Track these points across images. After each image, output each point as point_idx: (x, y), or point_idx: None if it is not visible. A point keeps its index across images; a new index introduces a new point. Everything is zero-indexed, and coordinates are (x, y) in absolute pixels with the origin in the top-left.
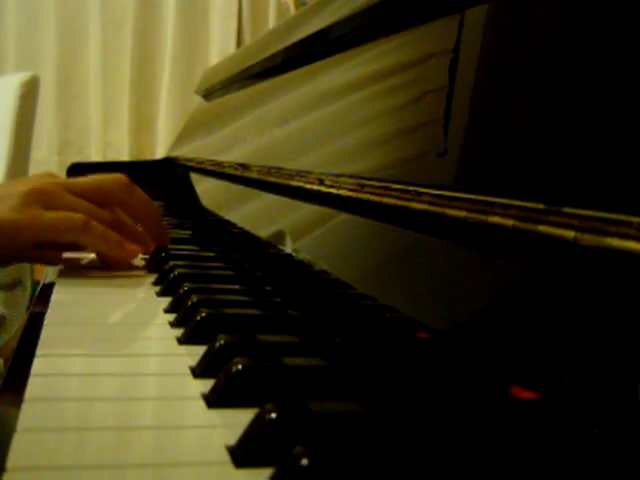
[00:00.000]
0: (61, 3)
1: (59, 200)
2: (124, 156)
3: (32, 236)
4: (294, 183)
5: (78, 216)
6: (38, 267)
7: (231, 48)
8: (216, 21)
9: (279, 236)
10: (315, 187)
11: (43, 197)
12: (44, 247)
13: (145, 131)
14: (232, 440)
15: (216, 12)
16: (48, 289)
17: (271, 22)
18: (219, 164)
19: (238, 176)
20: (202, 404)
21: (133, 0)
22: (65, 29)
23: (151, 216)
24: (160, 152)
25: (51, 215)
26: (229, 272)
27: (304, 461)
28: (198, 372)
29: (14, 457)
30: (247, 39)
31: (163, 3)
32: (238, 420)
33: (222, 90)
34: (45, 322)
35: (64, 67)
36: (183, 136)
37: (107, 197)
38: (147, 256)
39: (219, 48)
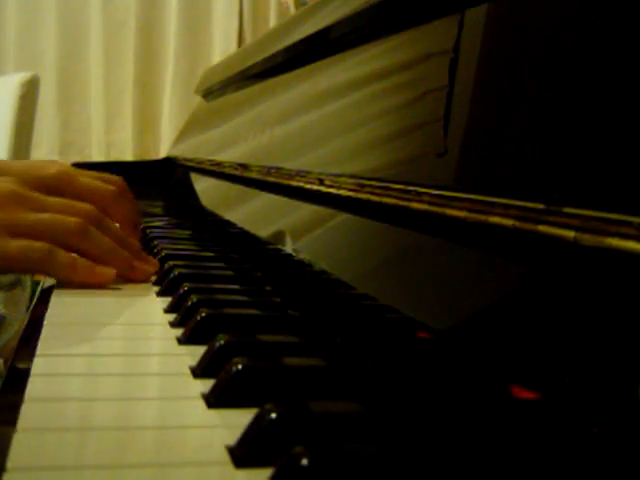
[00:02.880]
0: (62, 3)
1: (25, 220)
2: (128, 156)
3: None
4: (294, 183)
5: (39, 245)
6: None
7: (233, 48)
8: (218, 21)
9: (279, 236)
10: (315, 187)
11: (8, 222)
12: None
13: (149, 131)
14: (232, 440)
15: (218, 12)
16: (48, 292)
17: (272, 22)
18: (219, 164)
19: (238, 176)
20: (202, 404)
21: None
22: (66, 29)
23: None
24: (164, 152)
25: (14, 245)
26: (229, 272)
27: (304, 461)
28: (198, 372)
29: (14, 457)
30: (248, 39)
31: (165, 3)
32: (238, 420)
33: (222, 90)
34: (45, 322)
35: (65, 67)
36: (183, 136)
37: (95, 199)
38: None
39: (222, 47)
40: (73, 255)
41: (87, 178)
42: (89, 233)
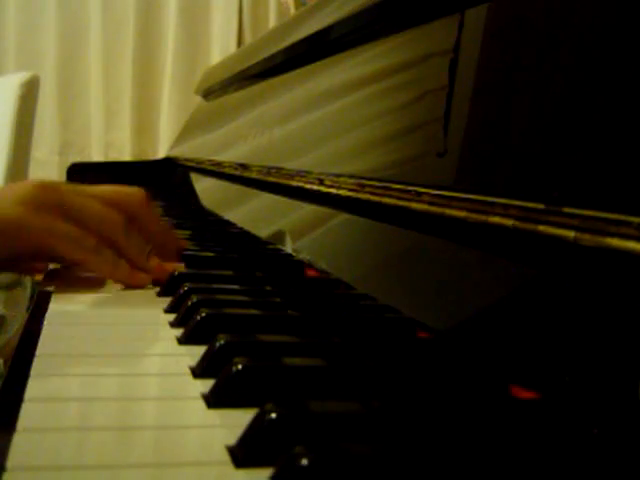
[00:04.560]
0: (62, 3)
1: (75, 204)
2: (126, 156)
3: (39, 243)
4: (294, 183)
5: (90, 239)
6: None
7: (232, 48)
8: (217, 20)
9: (279, 236)
10: (315, 187)
11: (60, 203)
12: (39, 258)
13: (147, 131)
14: (232, 440)
15: (217, 11)
16: (47, 292)
17: (272, 22)
18: (219, 164)
19: (238, 176)
20: (202, 404)
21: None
22: (66, 29)
23: (164, 235)
24: (162, 152)
25: (65, 227)
26: (229, 272)
27: (304, 461)
28: (198, 372)
29: (14, 457)
30: (248, 39)
31: (164, 3)
32: (238, 420)
33: (222, 90)
34: (45, 322)
35: (65, 67)
36: (183, 136)
37: (122, 208)
38: None
39: (220, 48)
40: (115, 257)
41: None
42: (130, 232)
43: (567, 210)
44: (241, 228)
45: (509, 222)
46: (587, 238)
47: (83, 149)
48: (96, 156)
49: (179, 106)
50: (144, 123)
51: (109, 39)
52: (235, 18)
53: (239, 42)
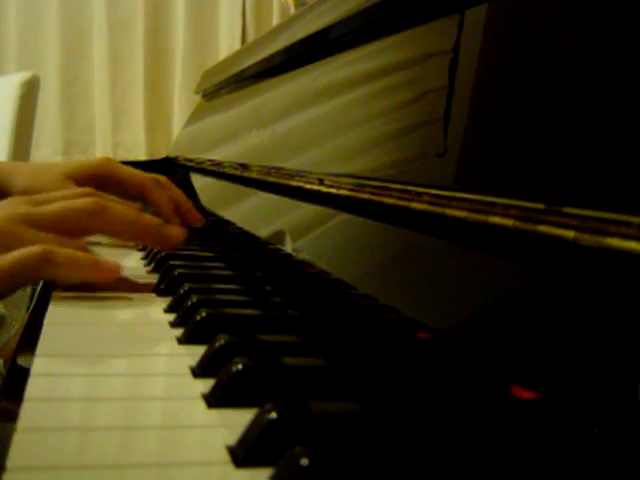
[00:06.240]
0: (64, 2)
1: (19, 239)
2: (140, 156)
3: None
4: (294, 183)
5: (35, 248)
6: None
7: (237, 47)
8: (224, 21)
9: (279, 236)
10: (315, 187)
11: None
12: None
13: (159, 131)
14: (232, 440)
15: (224, 13)
16: (47, 291)
17: (274, 22)
18: (219, 164)
19: (238, 176)
20: (202, 404)
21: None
22: (68, 27)
23: (142, 228)
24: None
25: (6, 259)
26: (229, 272)
27: (304, 461)
28: (198, 372)
29: (14, 457)
30: (251, 39)
31: (172, 2)
32: (238, 420)
33: (221, 90)
34: (45, 322)
35: (67, 66)
36: (183, 136)
37: (77, 227)
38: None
39: (228, 48)
40: (72, 251)
41: (127, 168)
42: (107, 210)
43: (567, 210)
44: (241, 228)
45: (509, 222)
46: (587, 238)
47: (87, 149)
48: (101, 156)
49: (190, 105)
50: (156, 123)
51: (116, 38)
52: (239, 19)
53: (243, 43)
